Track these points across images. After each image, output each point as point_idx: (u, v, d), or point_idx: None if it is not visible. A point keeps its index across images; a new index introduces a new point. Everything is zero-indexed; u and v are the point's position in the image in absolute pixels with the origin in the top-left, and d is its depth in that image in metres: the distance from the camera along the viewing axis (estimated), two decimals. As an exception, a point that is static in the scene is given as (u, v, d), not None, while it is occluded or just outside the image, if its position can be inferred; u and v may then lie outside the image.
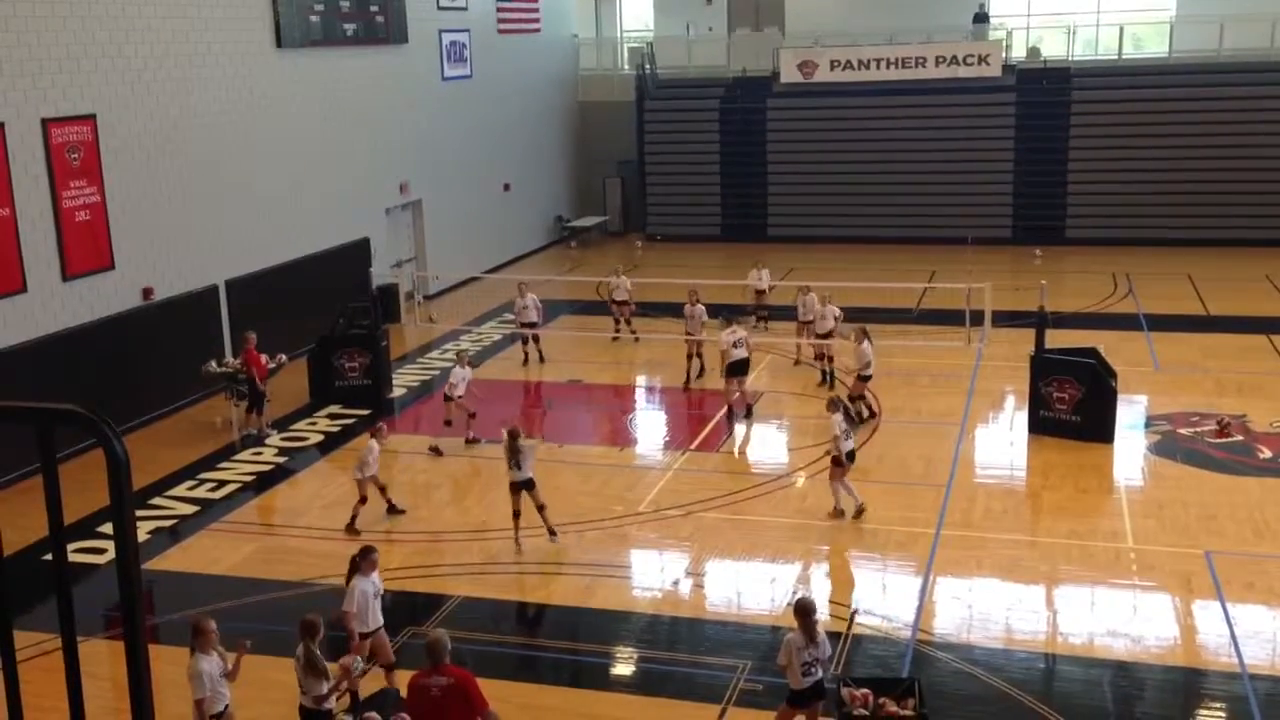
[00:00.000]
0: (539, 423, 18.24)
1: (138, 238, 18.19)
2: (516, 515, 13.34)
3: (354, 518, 14.03)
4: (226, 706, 8.88)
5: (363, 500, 14.03)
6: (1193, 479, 14.96)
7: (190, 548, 13.79)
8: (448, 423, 16.84)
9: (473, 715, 7.89)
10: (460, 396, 16.62)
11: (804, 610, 9.03)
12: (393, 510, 14.40)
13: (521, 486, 13.23)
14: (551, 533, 13.34)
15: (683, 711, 10.12)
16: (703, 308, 19.96)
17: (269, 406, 17.87)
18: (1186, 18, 32.24)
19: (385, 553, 13.35)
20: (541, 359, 21.24)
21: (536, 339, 21.37)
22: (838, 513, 13.95)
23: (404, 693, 8.65)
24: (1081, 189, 30.64)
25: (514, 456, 13.12)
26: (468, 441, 16.75)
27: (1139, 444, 16.29)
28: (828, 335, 19.29)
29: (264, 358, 17.55)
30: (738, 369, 17.72)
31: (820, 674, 9.01)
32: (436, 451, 16.59)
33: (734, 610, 12.04)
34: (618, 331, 22.31)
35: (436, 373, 20.79)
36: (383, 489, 14.31)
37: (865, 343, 16.98)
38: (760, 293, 22.94)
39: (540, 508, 13.29)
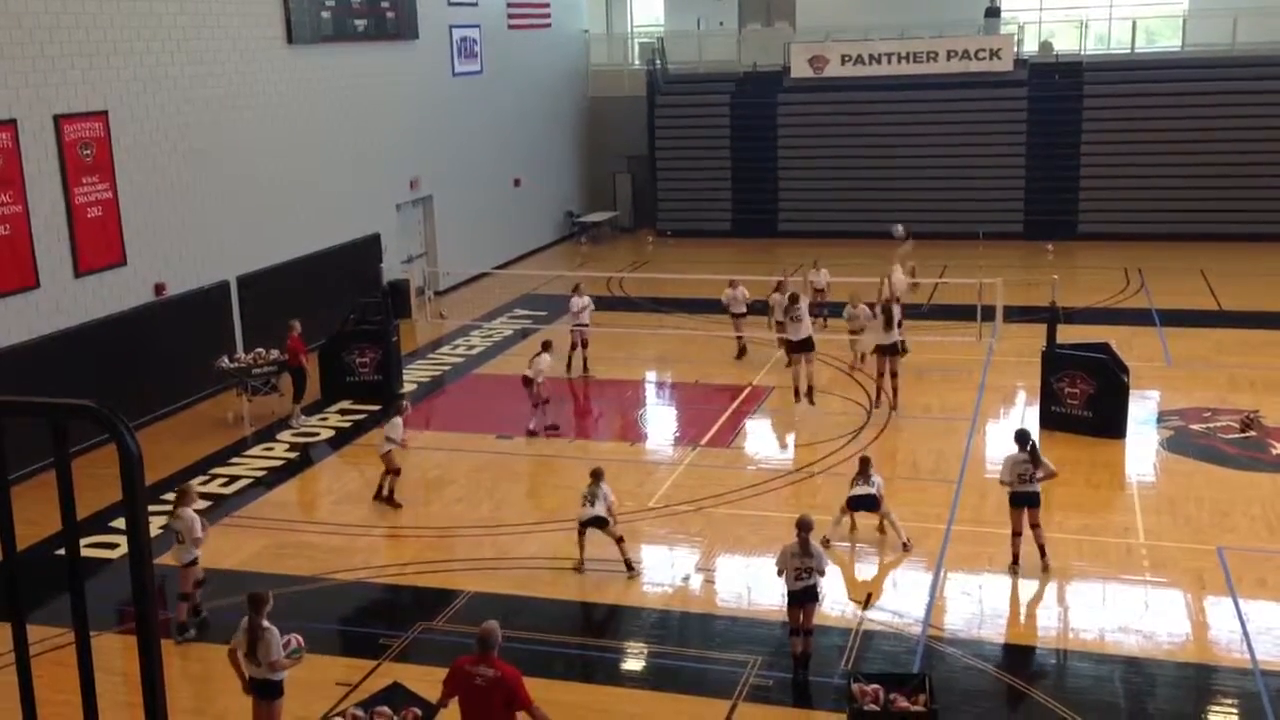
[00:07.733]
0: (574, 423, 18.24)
1: (149, 234, 18.25)
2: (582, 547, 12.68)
3: (388, 490, 14.44)
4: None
5: (395, 472, 14.39)
6: (1205, 475, 14.91)
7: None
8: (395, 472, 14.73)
9: (514, 712, 7.87)
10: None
11: (802, 525, 10.21)
12: (390, 501, 14.49)
13: (591, 524, 12.52)
14: (629, 568, 12.54)
15: (693, 706, 10.13)
16: (744, 290, 20.70)
17: (278, 397, 18.13)
18: (1199, 12, 32.15)
19: (395, 547, 13.43)
20: (586, 368, 20.06)
21: (586, 344, 20.05)
22: None
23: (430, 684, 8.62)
24: (1093, 184, 30.53)
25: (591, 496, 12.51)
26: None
27: (1151, 439, 16.24)
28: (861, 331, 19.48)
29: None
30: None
31: (813, 580, 10.18)
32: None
33: (744, 606, 12.04)
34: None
35: (448, 368, 20.82)
36: (395, 471, 14.42)
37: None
38: (819, 291, 22.30)
39: (618, 540, 12.54)
